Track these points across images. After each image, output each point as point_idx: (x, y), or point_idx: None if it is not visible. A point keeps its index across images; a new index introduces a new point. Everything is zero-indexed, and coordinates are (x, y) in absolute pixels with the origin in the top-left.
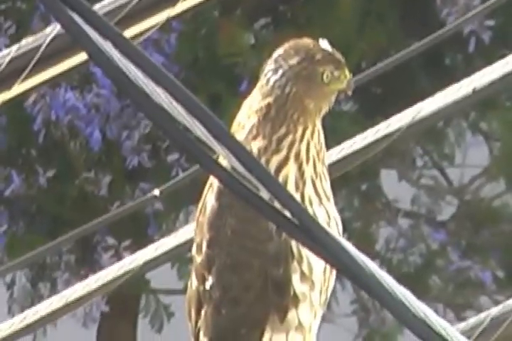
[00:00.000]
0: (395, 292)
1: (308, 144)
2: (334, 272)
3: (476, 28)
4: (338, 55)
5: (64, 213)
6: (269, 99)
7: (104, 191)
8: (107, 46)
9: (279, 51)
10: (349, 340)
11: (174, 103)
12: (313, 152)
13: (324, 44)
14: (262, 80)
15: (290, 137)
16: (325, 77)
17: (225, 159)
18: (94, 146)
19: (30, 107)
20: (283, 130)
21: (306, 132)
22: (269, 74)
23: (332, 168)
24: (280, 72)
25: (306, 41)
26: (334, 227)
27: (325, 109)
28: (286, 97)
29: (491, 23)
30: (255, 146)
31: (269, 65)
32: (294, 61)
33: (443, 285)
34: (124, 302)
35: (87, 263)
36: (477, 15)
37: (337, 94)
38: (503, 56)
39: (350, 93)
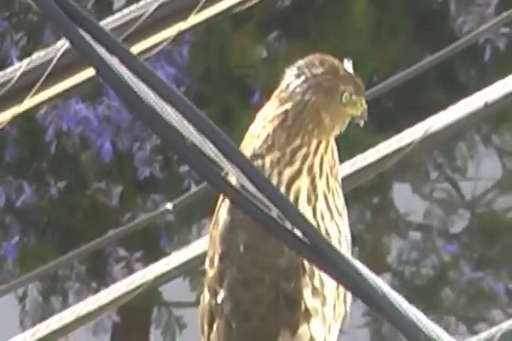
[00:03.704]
0: (406, 312)
1: (321, 158)
2: None
3: (491, 36)
4: (360, 81)
5: (75, 224)
6: (287, 105)
7: (115, 202)
8: (115, 63)
9: (303, 60)
10: None
11: (184, 121)
12: (326, 167)
13: (348, 65)
14: (282, 86)
15: (304, 150)
16: (344, 97)
17: (234, 177)
18: (106, 157)
19: (41, 119)
20: (297, 141)
21: (320, 146)
22: (291, 79)
23: (344, 182)
24: (302, 78)
25: (331, 58)
26: (344, 243)
27: (338, 129)
28: (304, 104)
29: (505, 30)
30: (268, 158)
31: (292, 71)
32: (318, 71)
33: (455, 298)
34: (136, 313)
35: (98, 274)
36: (492, 25)
37: (350, 120)
38: None
39: (362, 124)
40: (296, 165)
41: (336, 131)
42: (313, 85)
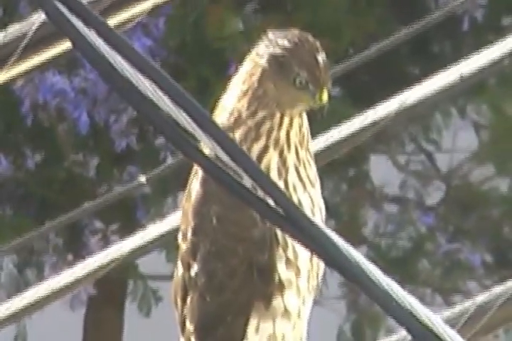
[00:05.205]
0: (380, 282)
1: (287, 132)
2: None
3: (469, 7)
4: (326, 76)
5: (52, 196)
6: (249, 75)
7: (92, 174)
8: (92, 35)
9: (278, 32)
10: (338, 323)
11: (158, 91)
12: (294, 140)
13: (322, 56)
14: (251, 55)
15: (268, 124)
16: (298, 81)
17: (208, 147)
18: (82, 130)
19: (17, 91)
20: (260, 115)
21: (284, 120)
22: (259, 49)
23: (320, 155)
24: (268, 48)
25: (309, 38)
26: (318, 214)
27: (289, 110)
28: (259, 73)
29: (483, 1)
30: (237, 134)
31: (263, 41)
32: (282, 44)
33: (431, 270)
34: (112, 286)
35: (74, 246)
36: None
37: (308, 109)
38: (492, 40)
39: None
40: (263, 141)
41: (289, 111)
42: (270, 55)
